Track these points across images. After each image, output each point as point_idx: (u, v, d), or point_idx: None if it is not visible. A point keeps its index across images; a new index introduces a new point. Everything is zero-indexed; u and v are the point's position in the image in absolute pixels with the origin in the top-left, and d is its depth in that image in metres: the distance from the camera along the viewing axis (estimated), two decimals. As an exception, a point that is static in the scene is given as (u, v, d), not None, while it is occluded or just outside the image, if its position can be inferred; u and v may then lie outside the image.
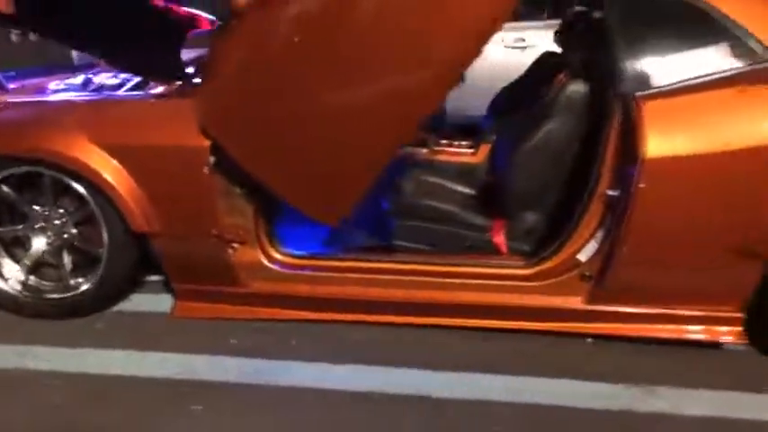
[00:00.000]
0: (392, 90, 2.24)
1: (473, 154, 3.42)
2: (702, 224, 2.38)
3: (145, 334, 2.71)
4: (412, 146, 3.40)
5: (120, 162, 2.58)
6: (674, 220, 2.39)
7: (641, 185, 2.35)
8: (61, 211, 2.76)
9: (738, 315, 2.53)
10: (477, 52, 2.16)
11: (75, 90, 2.95)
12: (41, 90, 3.02)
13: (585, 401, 2.33)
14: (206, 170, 2.51)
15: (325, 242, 2.94)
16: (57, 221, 2.78)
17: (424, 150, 3.43)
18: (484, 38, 2.15)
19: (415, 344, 2.66)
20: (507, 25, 2.31)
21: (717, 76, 2.35)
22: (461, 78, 2.40)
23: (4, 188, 2.73)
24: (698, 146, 2.32)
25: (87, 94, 2.85)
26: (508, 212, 2.82)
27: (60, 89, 2.99)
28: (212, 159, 2.52)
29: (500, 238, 2.79)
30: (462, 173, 3.25)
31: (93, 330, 2.74)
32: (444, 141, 3.48)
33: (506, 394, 2.37)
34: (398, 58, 2.20)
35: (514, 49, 4.90)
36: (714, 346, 2.60)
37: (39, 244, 2.81)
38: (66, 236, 2.78)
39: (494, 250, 2.79)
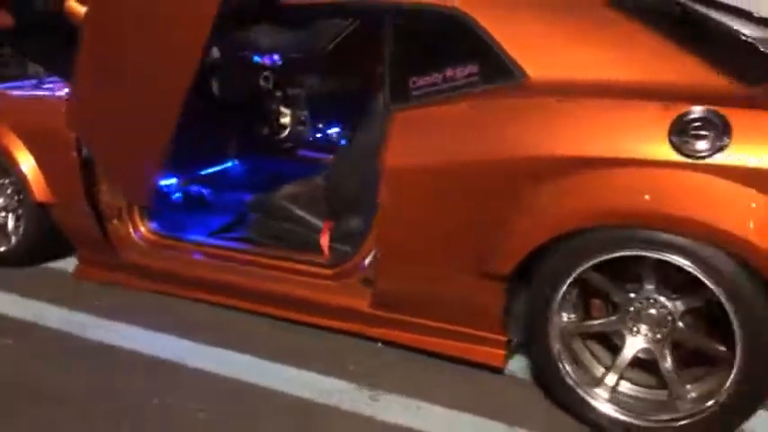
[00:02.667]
0: (156, 78, 2.60)
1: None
2: (440, 239, 2.38)
3: (42, 286, 3.31)
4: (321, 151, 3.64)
5: (24, 143, 3.23)
6: (415, 232, 2.42)
7: (385, 197, 2.42)
8: (7, 181, 3.48)
9: (500, 338, 2.45)
10: (205, 37, 2.46)
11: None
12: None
13: (306, 393, 2.45)
14: (74, 154, 3.05)
15: (200, 228, 3.32)
16: (8, 190, 3.51)
17: (331, 157, 3.64)
18: (206, 26, 2.44)
19: (232, 326, 2.93)
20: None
21: (464, 92, 2.34)
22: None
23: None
24: (435, 160, 2.34)
25: (26, 91, 3.54)
26: (332, 215, 2.97)
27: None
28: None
29: (324, 239, 2.95)
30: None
31: (9, 276, 3.41)
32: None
33: (259, 377, 2.55)
34: (157, 50, 2.56)
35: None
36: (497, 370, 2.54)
37: (-4, 205, 3.58)
38: (11, 201, 3.50)
39: (319, 250, 2.96)
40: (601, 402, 2.22)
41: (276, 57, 3.68)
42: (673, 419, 2.14)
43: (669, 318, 2.16)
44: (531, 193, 2.15)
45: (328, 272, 2.79)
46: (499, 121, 2.23)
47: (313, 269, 2.84)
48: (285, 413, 2.35)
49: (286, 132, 3.37)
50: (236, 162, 3.74)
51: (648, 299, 2.17)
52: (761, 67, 2.23)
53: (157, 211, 3.25)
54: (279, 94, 3.44)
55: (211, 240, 3.14)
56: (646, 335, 2.21)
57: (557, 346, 2.24)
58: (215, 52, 3.72)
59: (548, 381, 2.31)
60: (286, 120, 3.32)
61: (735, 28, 2.73)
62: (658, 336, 2.18)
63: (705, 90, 2.05)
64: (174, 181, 3.42)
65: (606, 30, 2.24)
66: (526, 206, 2.16)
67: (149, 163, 2.74)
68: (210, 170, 3.61)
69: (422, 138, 2.37)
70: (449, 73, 2.38)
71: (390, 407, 2.37)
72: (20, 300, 3.18)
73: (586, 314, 2.34)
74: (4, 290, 3.26)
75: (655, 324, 2.18)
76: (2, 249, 3.49)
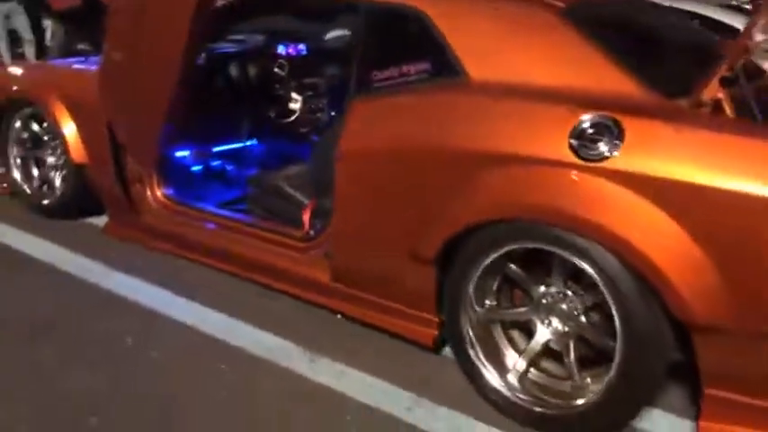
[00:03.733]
0: (154, 60, 3.00)
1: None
2: (382, 221, 2.58)
3: (73, 236, 3.74)
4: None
5: (67, 109, 3.68)
6: (362, 213, 2.64)
7: (338, 178, 2.65)
8: (56, 143, 3.95)
9: (433, 318, 2.61)
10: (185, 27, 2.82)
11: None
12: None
13: (256, 349, 2.73)
14: (104, 123, 3.45)
15: (214, 198, 3.65)
16: (58, 151, 3.98)
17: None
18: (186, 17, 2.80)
19: (221, 287, 3.22)
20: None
21: (415, 86, 2.52)
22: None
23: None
24: (381, 147, 2.55)
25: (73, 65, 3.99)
26: (315, 194, 3.20)
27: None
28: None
29: (306, 216, 3.19)
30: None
31: (52, 225, 3.89)
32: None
33: (222, 332, 2.86)
34: (155, 37, 2.94)
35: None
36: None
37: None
38: (59, 161, 3.97)
39: (301, 225, 3.21)
40: (500, 384, 2.36)
41: (302, 47, 3.97)
42: (566, 408, 2.26)
43: (576, 312, 2.27)
44: (453, 184, 2.32)
45: (301, 245, 3.04)
46: (436, 115, 2.41)
47: (290, 242, 3.09)
48: (228, 363, 2.63)
49: (294, 117, 3.65)
50: (256, 142, 4.05)
51: (559, 293, 2.29)
52: (689, 81, 2.27)
53: (175, 180, 3.61)
54: (294, 82, 3.72)
55: (214, 210, 3.45)
56: (555, 327, 2.33)
57: (467, 328, 2.39)
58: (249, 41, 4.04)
59: (458, 359, 2.46)
60: (296, 105, 3.59)
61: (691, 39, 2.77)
62: (566, 329, 2.30)
63: (619, 99, 2.15)
64: (192, 153, 3.76)
65: (544, 37, 2.37)
66: (448, 196, 2.33)
67: (150, 133, 3.10)
68: (231, 147, 3.95)
69: (372, 126, 2.58)
70: (405, 68, 2.57)
71: (321, 369, 2.60)
72: (49, 245, 3.63)
73: (512, 303, 2.48)
74: (39, 236, 3.74)
75: (565, 317, 2.30)
76: (46, 202, 3.97)
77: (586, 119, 2.07)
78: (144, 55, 2.96)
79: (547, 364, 2.41)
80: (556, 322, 2.33)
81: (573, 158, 2.07)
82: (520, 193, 2.18)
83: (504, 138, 2.22)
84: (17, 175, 4.08)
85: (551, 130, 2.13)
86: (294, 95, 3.60)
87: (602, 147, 2.03)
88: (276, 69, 3.66)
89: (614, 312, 2.08)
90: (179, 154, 3.68)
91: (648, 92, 2.16)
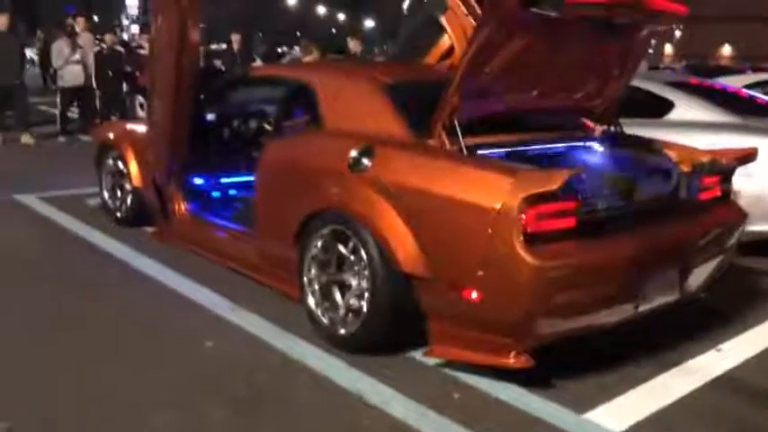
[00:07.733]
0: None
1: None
2: (278, 216, 3.99)
3: (129, 236, 5.43)
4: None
5: (132, 151, 5.46)
6: (268, 214, 4.07)
7: (258, 191, 4.11)
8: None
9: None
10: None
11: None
12: None
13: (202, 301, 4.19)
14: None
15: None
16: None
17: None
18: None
19: (211, 269, 4.73)
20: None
21: (301, 130, 3.98)
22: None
23: None
24: (279, 167, 4.02)
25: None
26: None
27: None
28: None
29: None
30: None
31: (116, 229, 5.62)
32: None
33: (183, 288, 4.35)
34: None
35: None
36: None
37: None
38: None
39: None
40: (329, 323, 3.62)
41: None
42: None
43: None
44: (304, 189, 3.72)
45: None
46: (305, 148, 3.90)
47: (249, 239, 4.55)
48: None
49: None
50: None
51: (362, 262, 3.55)
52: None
53: (196, 200, 5.18)
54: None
55: (216, 219, 4.90)
56: (362, 285, 3.55)
57: (307, 285, 3.71)
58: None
59: (303, 306, 3.76)
60: None
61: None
62: (367, 285, 3.53)
63: (388, 137, 3.48)
64: (209, 182, 5.34)
65: (367, 102, 3.75)
66: (302, 196, 3.73)
67: (162, 168, 4.79)
68: (243, 179, 5.51)
69: (275, 155, 4.05)
70: (298, 120, 4.04)
71: (238, 313, 3.99)
72: (105, 237, 5.39)
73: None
74: (106, 233, 5.50)
75: (366, 279, 3.54)
76: (119, 215, 5.75)
77: (358, 146, 3.42)
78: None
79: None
80: (363, 281, 3.57)
81: (347, 171, 3.42)
82: (326, 193, 3.54)
83: (323, 159, 3.62)
84: (106, 194, 5.91)
85: (342, 153, 3.50)
86: None
87: (362, 163, 3.36)
88: (265, 125, 5.23)
89: (367, 270, 3.34)
90: (197, 181, 5.28)
91: (410, 134, 3.46)
